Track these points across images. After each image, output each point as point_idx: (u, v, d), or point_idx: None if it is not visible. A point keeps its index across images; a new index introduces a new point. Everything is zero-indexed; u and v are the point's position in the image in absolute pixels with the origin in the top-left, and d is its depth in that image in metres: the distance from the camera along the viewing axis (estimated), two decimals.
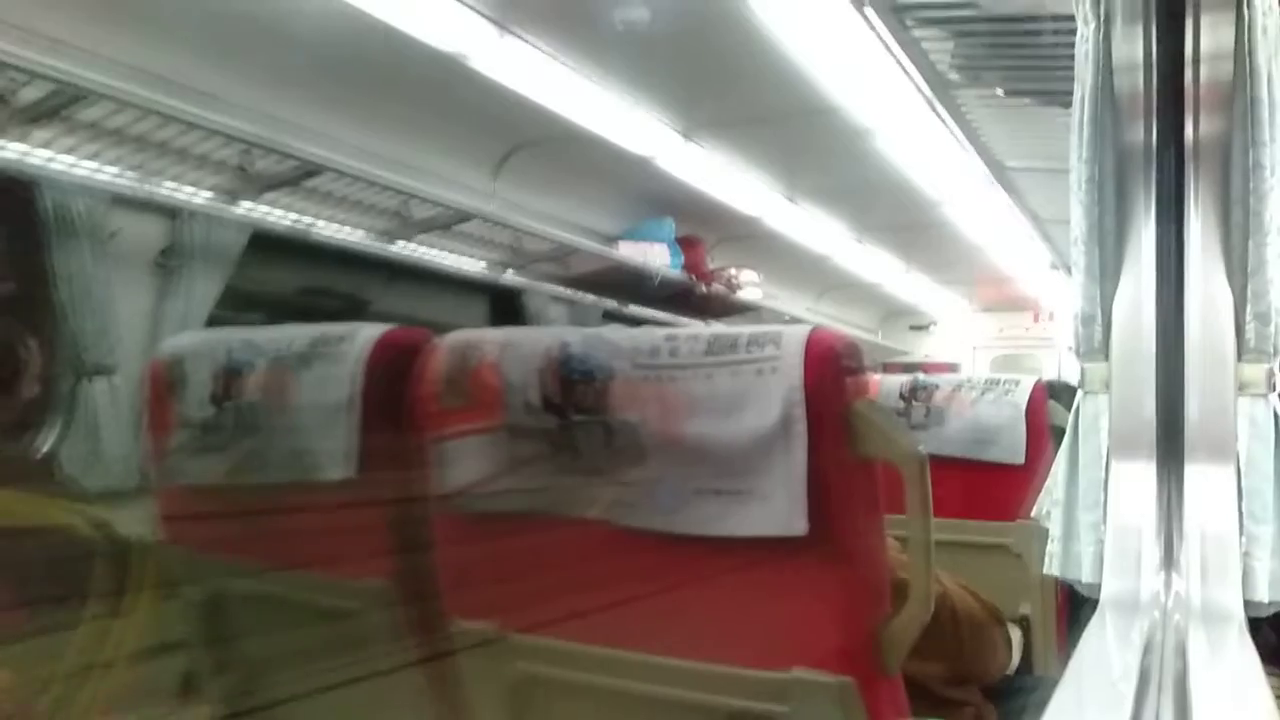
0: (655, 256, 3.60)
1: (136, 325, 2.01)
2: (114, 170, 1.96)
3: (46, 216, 1.81)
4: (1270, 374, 1.16)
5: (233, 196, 2.19)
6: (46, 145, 1.84)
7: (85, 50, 1.80)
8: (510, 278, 3.18)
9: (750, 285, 4.23)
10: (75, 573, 1.06)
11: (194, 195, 2.12)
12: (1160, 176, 1.17)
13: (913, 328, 7.16)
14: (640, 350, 1.00)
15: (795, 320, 4.27)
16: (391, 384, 1.15)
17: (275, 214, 2.32)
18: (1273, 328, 1.14)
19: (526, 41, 2.23)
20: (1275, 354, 1.16)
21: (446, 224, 2.73)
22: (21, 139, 1.79)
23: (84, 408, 1.89)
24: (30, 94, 1.71)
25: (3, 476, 1.46)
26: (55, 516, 1.15)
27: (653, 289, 3.67)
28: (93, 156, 1.91)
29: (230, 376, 1.23)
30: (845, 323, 6.02)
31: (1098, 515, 1.21)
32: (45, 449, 1.86)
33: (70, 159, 1.88)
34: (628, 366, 1.00)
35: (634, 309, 3.76)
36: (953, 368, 6.40)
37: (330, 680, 1.16)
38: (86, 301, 1.88)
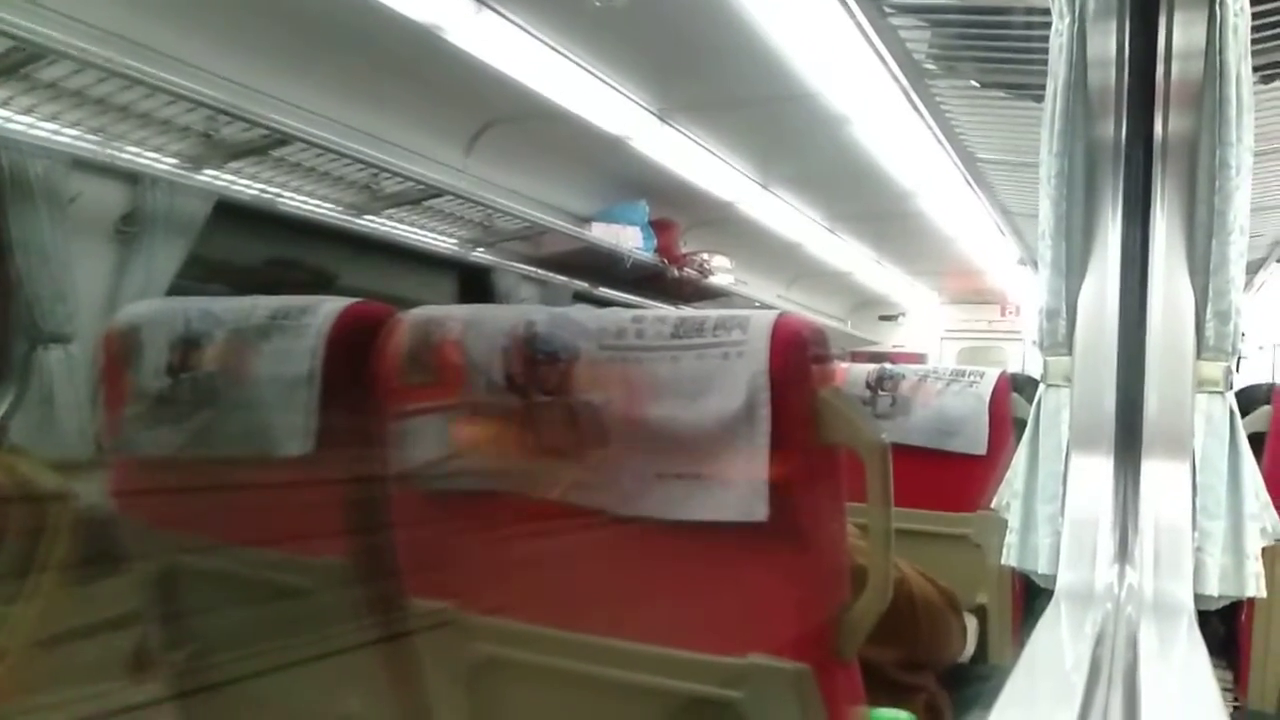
0: (627, 239, 3.59)
1: (95, 293, 1.97)
2: (74, 133, 1.91)
3: (2, 178, 1.76)
4: (1228, 372, 1.18)
5: (197, 164, 2.15)
6: (3, 104, 1.79)
7: (47, 8, 1.75)
8: (480, 256, 3.15)
9: (722, 271, 4.24)
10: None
11: (157, 161, 2.07)
12: (1128, 172, 1.18)
13: (882, 318, 7.22)
14: (606, 331, 0.99)
15: (766, 307, 4.28)
16: (353, 359, 1.13)
17: (241, 183, 2.27)
18: (1231, 326, 1.16)
19: (503, 16, 2.20)
20: (1233, 352, 1.17)
21: (416, 199, 2.69)
22: None
23: (38, 377, 1.85)
24: None
25: None
26: None
27: (624, 271, 3.65)
28: (52, 118, 1.86)
29: (188, 347, 1.20)
30: (815, 311, 6.05)
31: (1056, 507, 1.22)
32: None
33: (28, 119, 1.83)
34: (593, 347, 0.99)
35: (605, 291, 3.75)
36: (920, 358, 6.46)
37: (285, 658, 1.15)
38: (43, 268, 1.83)
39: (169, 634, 1.26)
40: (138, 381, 1.24)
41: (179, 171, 2.11)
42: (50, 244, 1.83)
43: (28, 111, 1.82)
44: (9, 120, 1.79)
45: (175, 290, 2.07)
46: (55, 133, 1.87)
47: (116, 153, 1.98)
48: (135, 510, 1.29)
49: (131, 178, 2.01)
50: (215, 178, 2.19)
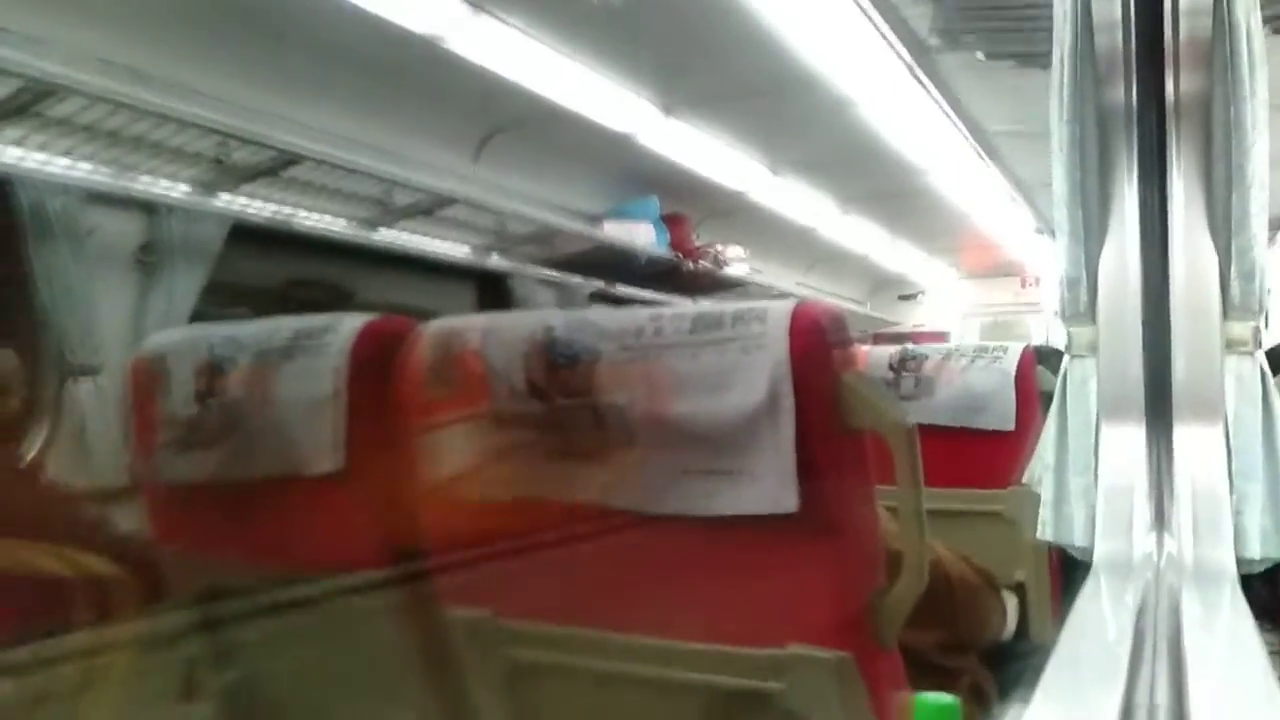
0: (640, 235, 3.58)
1: (119, 324, 1.99)
2: (88, 166, 1.93)
3: (22, 216, 1.78)
4: (1256, 331, 1.16)
5: (210, 189, 2.17)
6: (18, 143, 1.81)
7: (54, 43, 1.77)
8: (496, 261, 3.16)
9: (737, 260, 4.22)
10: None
11: (171, 189, 2.09)
12: (1142, 135, 1.16)
13: (901, 297, 7.16)
14: (625, 331, 0.99)
15: (784, 295, 4.26)
16: (376, 374, 1.14)
17: (255, 205, 2.29)
18: (1257, 284, 1.14)
19: (501, 20, 2.20)
20: (1260, 311, 1.16)
21: (429, 209, 2.71)
22: None
23: (70, 410, 1.87)
24: None
25: None
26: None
27: (639, 268, 3.65)
28: (66, 153, 1.88)
29: (213, 372, 1.22)
30: (834, 295, 6.01)
31: (1088, 479, 1.21)
32: (32, 455, 1.84)
33: (43, 156, 1.85)
34: (613, 348, 0.99)
35: (621, 289, 3.74)
36: (942, 336, 6.41)
37: (326, 674, 1.16)
38: (67, 302, 1.85)
39: (215, 657, 1.27)
40: (166, 409, 1.25)
41: (193, 198, 2.13)
42: (73, 278, 1.86)
43: (42, 148, 1.84)
44: (26, 158, 1.82)
45: (198, 316, 2.09)
46: (70, 167, 1.89)
47: (130, 183, 2.00)
48: (171, 536, 1.31)
49: (148, 207, 2.03)
50: (230, 202, 2.21)
